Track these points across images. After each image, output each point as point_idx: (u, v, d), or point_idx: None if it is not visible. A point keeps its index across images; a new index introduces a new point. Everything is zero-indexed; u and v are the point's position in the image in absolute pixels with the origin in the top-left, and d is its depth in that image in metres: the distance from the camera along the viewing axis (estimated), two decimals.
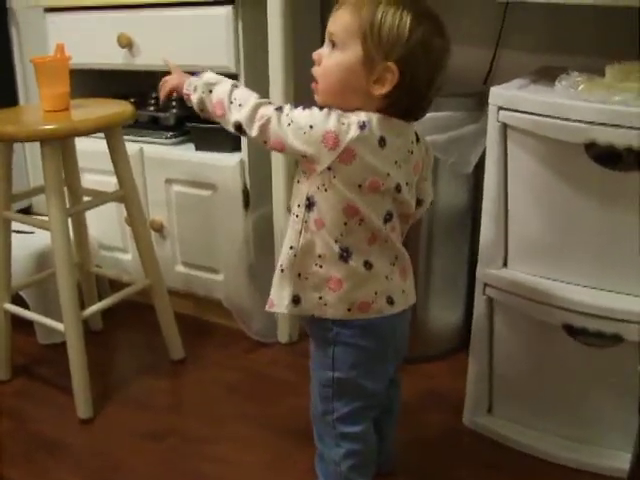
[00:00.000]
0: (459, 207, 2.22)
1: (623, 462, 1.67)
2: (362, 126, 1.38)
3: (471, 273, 1.97)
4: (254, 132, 1.44)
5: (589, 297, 1.71)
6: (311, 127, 1.38)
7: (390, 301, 1.50)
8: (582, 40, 2.09)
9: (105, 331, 2.62)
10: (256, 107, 1.44)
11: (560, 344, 1.78)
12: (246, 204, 2.36)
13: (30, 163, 3.02)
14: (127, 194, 2.18)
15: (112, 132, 2.12)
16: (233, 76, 2.22)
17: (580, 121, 1.59)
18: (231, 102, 1.48)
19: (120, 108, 2.13)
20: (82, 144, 2.36)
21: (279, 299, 1.51)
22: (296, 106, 1.44)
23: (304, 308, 1.50)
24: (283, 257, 1.50)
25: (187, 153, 2.46)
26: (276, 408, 2.13)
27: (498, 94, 1.75)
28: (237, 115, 1.47)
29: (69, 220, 2.10)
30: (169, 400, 2.24)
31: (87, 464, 1.95)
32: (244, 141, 2.32)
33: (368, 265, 1.47)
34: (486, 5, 2.22)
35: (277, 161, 2.23)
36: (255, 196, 2.37)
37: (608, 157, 1.59)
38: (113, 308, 2.56)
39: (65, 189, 2.13)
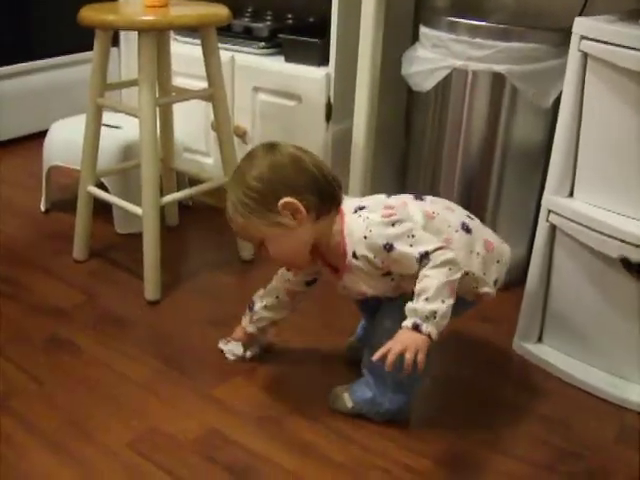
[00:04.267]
0: (534, 141, 2.24)
1: None
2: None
3: (540, 209, 2.00)
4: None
5: None
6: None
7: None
8: None
9: (180, 227, 2.71)
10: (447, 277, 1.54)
11: (616, 278, 1.81)
12: (328, 117, 2.43)
13: (124, 64, 3.10)
14: (216, 92, 2.26)
15: (207, 32, 2.19)
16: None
17: None
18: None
19: (216, 9, 2.20)
20: (177, 48, 2.44)
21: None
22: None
23: None
24: None
25: (276, 64, 2.53)
26: (336, 311, 2.19)
27: (581, 23, 1.76)
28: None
29: (157, 115, 2.18)
30: (234, 293, 2.33)
31: (149, 340, 2.07)
32: (332, 55, 2.38)
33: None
34: None
35: (362, 78, 2.27)
36: (337, 110, 2.43)
37: None
38: (189, 208, 2.67)
39: (156, 86, 2.22)
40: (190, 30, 2.62)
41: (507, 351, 2.08)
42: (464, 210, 1.76)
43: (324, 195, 1.60)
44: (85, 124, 2.29)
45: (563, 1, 2.27)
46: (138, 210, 2.17)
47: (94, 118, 2.27)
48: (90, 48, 2.21)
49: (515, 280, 2.34)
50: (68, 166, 2.62)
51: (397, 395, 1.73)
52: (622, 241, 1.75)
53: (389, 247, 1.54)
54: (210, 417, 1.76)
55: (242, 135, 2.61)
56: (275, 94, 2.51)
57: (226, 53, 2.57)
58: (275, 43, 2.61)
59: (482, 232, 1.72)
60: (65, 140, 2.66)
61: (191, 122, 2.72)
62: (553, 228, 1.92)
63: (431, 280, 1.52)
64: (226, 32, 2.54)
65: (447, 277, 1.53)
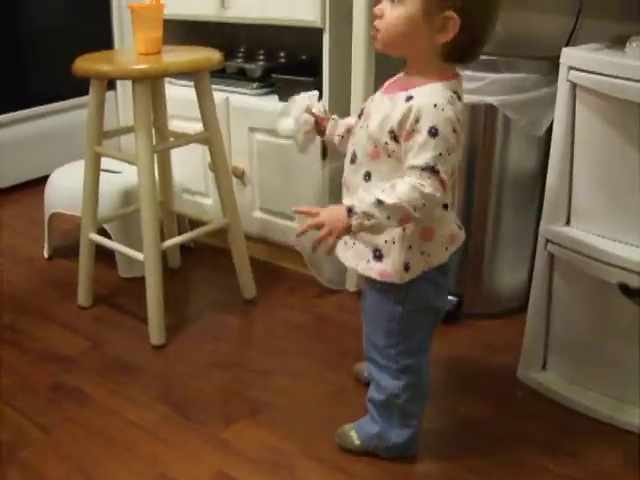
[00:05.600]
0: (529, 169, 2.26)
1: None
2: (458, 98, 1.49)
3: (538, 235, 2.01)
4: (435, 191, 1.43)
5: None
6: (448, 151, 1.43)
7: (460, 227, 1.68)
8: None
9: (182, 269, 2.73)
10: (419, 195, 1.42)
11: (616, 305, 1.81)
12: (324, 155, 2.44)
13: (121, 107, 3.14)
14: (212, 136, 2.29)
15: (200, 76, 2.23)
16: (318, 30, 2.32)
17: None
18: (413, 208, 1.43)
19: (209, 54, 2.23)
20: (172, 91, 2.47)
21: (395, 270, 1.57)
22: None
23: (414, 271, 1.57)
24: (394, 231, 1.55)
25: (271, 103, 2.55)
26: (338, 349, 2.21)
27: (569, 54, 1.78)
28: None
29: (155, 160, 2.21)
30: (238, 334, 2.36)
31: (155, 385, 2.07)
32: (325, 93, 2.39)
33: (445, 206, 1.59)
34: None
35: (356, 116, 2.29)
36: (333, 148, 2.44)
37: None
38: (191, 249, 2.69)
39: (153, 131, 2.24)
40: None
41: (511, 380, 2.08)
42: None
43: (471, 51, 1.50)
44: (84, 173, 2.31)
45: (552, 29, 2.30)
46: (139, 256, 2.19)
47: (92, 166, 2.30)
48: (87, 92, 2.24)
49: (517, 308, 2.35)
50: (69, 213, 2.65)
51: (404, 429, 1.73)
52: (621, 268, 1.76)
53: (434, 131, 1.41)
54: (218, 461, 1.77)
55: (240, 176, 2.63)
56: (271, 134, 2.52)
57: (220, 94, 2.59)
58: (269, 83, 2.63)
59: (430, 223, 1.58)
60: (66, 187, 2.69)
61: (189, 163, 2.74)
62: (552, 256, 1.93)
63: (401, 190, 1.42)
64: (220, 73, 2.56)
65: (410, 205, 1.42)
